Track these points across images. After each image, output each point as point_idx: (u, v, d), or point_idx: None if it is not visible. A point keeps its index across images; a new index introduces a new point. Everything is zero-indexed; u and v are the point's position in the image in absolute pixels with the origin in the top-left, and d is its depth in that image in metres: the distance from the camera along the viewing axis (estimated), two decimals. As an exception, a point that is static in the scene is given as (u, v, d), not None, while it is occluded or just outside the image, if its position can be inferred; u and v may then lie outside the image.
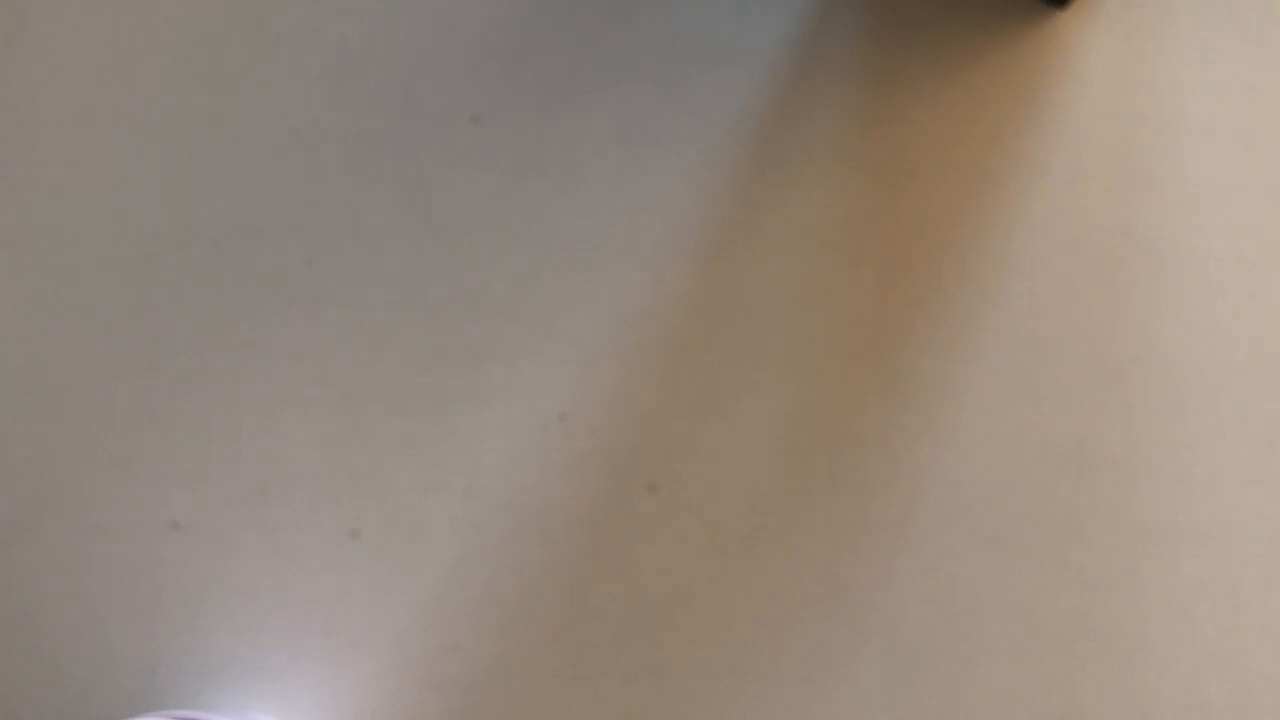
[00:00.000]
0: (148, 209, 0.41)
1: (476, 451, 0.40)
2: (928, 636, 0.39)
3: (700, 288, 0.40)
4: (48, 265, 0.41)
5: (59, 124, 0.42)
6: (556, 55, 0.41)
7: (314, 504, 0.40)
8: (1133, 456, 0.39)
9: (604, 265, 0.40)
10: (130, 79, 0.42)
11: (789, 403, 0.40)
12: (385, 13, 0.42)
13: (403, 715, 0.39)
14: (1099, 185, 0.40)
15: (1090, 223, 0.40)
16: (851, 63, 0.41)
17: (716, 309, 0.40)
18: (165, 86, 0.42)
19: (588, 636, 0.39)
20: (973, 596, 0.39)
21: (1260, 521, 0.38)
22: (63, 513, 0.40)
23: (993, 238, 0.40)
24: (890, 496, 0.39)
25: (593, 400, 0.40)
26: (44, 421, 0.41)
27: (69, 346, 0.41)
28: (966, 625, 0.39)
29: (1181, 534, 0.38)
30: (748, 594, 0.39)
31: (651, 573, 0.39)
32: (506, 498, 0.40)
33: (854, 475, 0.39)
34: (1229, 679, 0.38)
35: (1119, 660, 0.38)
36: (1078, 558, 0.39)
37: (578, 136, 0.41)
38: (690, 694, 0.39)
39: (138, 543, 0.40)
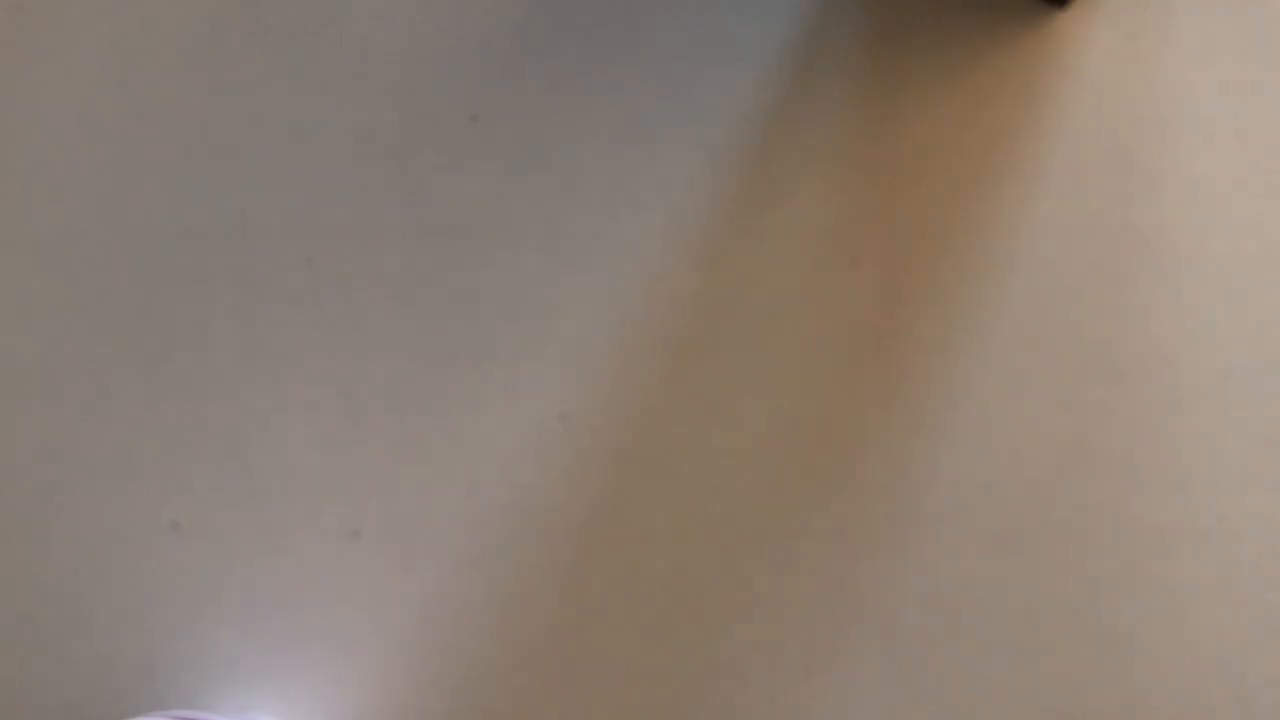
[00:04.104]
0: (148, 209, 0.41)
1: (476, 451, 0.40)
2: (928, 636, 0.39)
3: (700, 288, 0.40)
4: (48, 265, 0.41)
5: (59, 124, 0.42)
6: (556, 55, 0.41)
7: (314, 504, 0.40)
8: (1133, 456, 0.39)
9: (604, 265, 0.40)
10: (130, 79, 0.42)
11: (789, 403, 0.40)
12: (385, 13, 0.42)
13: (403, 715, 0.39)
14: (1099, 185, 0.40)
15: (1090, 223, 0.40)
16: (851, 63, 0.41)
17: (716, 309, 0.40)
18: (165, 86, 0.42)
19: (587, 636, 0.39)
20: (973, 596, 0.39)
21: (1260, 522, 0.38)
22: (63, 513, 0.40)
23: (993, 238, 0.40)
24: (890, 496, 0.39)
25: (593, 400, 0.40)
26: (44, 421, 0.41)
27: (69, 346, 0.41)
28: (966, 625, 0.39)
29: (1181, 534, 0.38)
30: (748, 594, 0.39)
31: (651, 573, 0.39)
32: (506, 498, 0.40)
33: (854, 475, 0.39)
34: (1229, 679, 0.38)
35: (1119, 660, 0.38)
36: (1078, 558, 0.39)
37: (578, 136, 0.41)
38: (690, 694, 0.39)
39: (138, 543, 0.40)
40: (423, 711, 0.39)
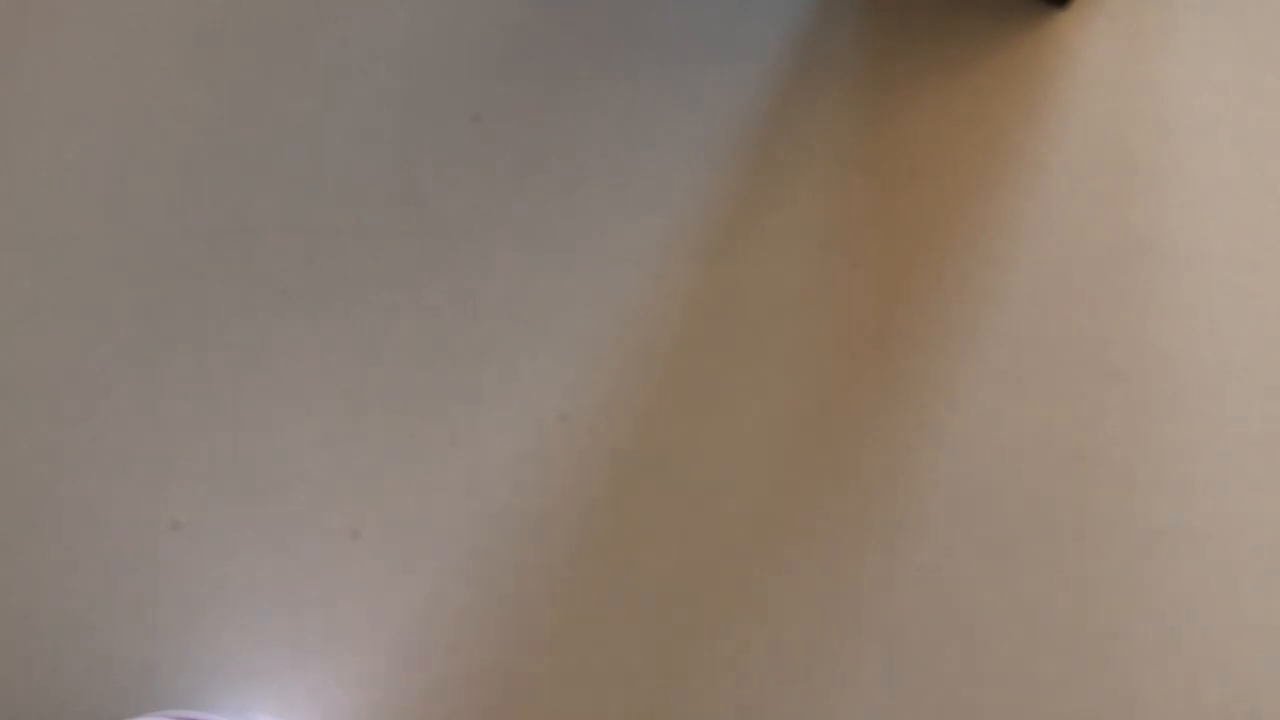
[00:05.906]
0: (148, 209, 0.41)
1: (476, 451, 0.40)
2: (928, 636, 0.39)
3: (700, 288, 0.40)
4: (48, 265, 0.41)
5: (59, 124, 0.42)
6: (556, 55, 0.41)
7: (314, 504, 0.40)
8: (1133, 457, 0.39)
9: (604, 265, 0.40)
10: (130, 79, 0.42)
11: (789, 403, 0.40)
12: (385, 13, 0.42)
13: (403, 715, 0.39)
14: (1099, 185, 0.40)
15: (1090, 223, 0.40)
16: (851, 63, 0.41)
17: (716, 309, 0.40)
18: (165, 86, 0.42)
19: (588, 636, 0.39)
20: (973, 596, 0.39)
21: (1260, 522, 0.38)
22: (63, 513, 0.40)
23: (993, 238, 0.40)
24: (890, 496, 0.39)
25: (593, 400, 0.40)
26: (44, 421, 0.41)
27: (69, 346, 0.41)
28: (966, 625, 0.39)
29: (1181, 534, 0.38)
30: (748, 594, 0.39)
31: (651, 573, 0.39)
32: (506, 498, 0.40)
33: (854, 475, 0.39)
34: (1229, 680, 0.38)
35: (1118, 661, 0.38)
36: (1078, 558, 0.39)
37: (578, 136, 0.41)
38: (690, 694, 0.39)
39: (138, 543, 0.40)
40: (423, 711, 0.39)
